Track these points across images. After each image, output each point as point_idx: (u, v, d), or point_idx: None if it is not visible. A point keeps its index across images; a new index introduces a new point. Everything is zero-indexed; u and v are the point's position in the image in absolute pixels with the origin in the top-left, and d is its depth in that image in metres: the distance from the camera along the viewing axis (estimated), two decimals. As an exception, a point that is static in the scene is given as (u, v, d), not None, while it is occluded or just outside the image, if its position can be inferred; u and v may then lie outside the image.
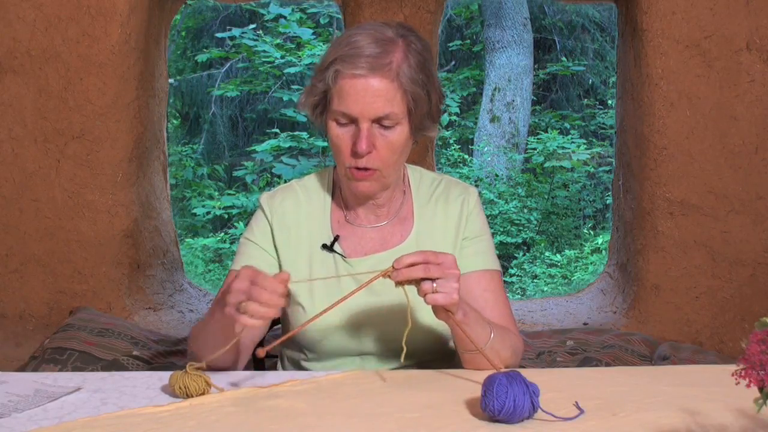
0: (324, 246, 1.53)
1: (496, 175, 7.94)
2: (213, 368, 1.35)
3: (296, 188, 1.60)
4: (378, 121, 1.41)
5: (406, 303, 1.28)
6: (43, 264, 3.04)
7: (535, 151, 7.92)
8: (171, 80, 6.45)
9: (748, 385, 0.85)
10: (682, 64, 2.90)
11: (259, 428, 1.12)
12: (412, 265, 1.24)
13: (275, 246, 1.55)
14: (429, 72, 1.45)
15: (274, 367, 1.68)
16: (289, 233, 1.55)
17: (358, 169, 1.44)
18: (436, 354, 1.52)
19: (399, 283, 1.25)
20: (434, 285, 1.24)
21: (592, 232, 7.52)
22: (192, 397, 1.24)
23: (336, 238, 1.54)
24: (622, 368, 2.04)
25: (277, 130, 8.02)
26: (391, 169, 1.47)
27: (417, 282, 1.25)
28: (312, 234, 1.55)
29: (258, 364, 1.73)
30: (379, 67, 1.38)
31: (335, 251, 1.53)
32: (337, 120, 1.43)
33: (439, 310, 1.31)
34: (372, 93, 1.38)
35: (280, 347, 1.62)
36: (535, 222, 7.50)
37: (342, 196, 1.59)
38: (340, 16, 4.06)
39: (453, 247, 1.56)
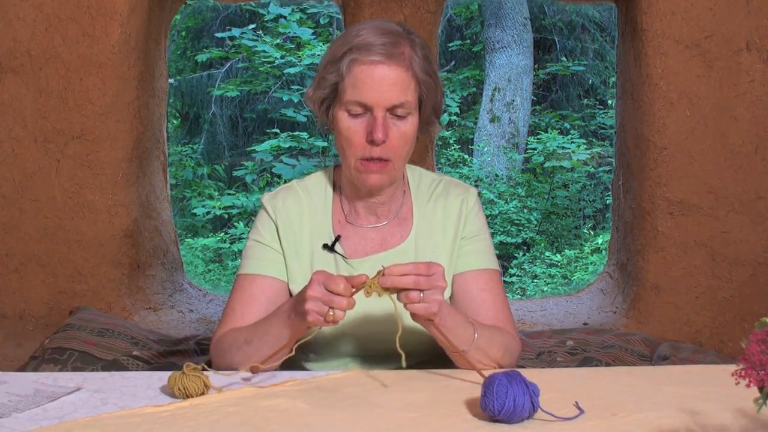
0: (325, 246, 1.54)
1: (496, 175, 7.94)
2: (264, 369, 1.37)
3: (297, 189, 1.60)
4: (392, 110, 1.42)
5: (396, 309, 1.27)
6: (43, 264, 3.04)
7: (535, 151, 7.92)
8: (171, 80, 6.45)
9: (748, 385, 0.85)
10: (682, 64, 2.90)
11: (259, 428, 1.12)
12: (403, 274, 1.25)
13: (281, 245, 1.55)
14: (434, 66, 1.48)
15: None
16: (292, 233, 1.55)
17: (371, 160, 1.44)
18: (434, 354, 1.52)
19: (384, 290, 1.26)
20: (421, 295, 1.25)
21: (592, 232, 7.53)
22: (191, 397, 1.24)
23: (337, 239, 1.53)
24: (622, 368, 2.04)
25: (277, 130, 8.02)
26: (400, 161, 1.48)
27: (400, 290, 1.26)
28: (313, 234, 1.55)
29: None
30: (394, 55, 1.40)
31: (336, 251, 1.53)
32: (350, 111, 1.43)
33: (418, 318, 1.31)
34: (388, 81, 1.40)
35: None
36: (535, 222, 7.51)
37: (344, 196, 1.58)
38: (340, 16, 4.06)
39: (451, 246, 1.56)
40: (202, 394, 1.25)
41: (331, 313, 1.25)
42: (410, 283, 1.25)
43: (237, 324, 1.48)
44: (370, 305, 1.46)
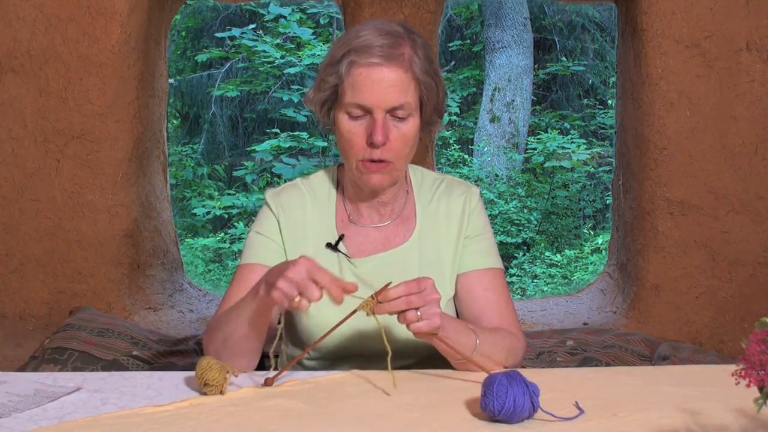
0: (328, 245, 1.53)
1: (496, 175, 7.94)
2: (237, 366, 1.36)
3: (301, 187, 1.60)
4: (392, 111, 1.41)
5: (382, 333, 1.27)
6: (43, 264, 3.04)
7: (535, 151, 7.93)
8: (171, 80, 6.45)
9: (748, 385, 0.85)
10: (682, 64, 2.90)
11: (259, 428, 1.12)
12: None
13: (282, 240, 1.55)
14: (435, 66, 1.47)
15: (274, 367, 1.68)
16: (294, 230, 1.55)
17: (372, 161, 1.43)
18: (435, 352, 1.52)
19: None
20: (418, 313, 1.25)
21: (592, 232, 7.53)
22: (206, 388, 1.24)
23: (341, 238, 1.53)
24: (622, 368, 2.04)
25: (277, 130, 8.02)
26: (402, 162, 1.48)
27: (399, 312, 1.26)
28: (317, 233, 1.55)
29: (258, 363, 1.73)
30: (393, 57, 1.39)
31: (339, 251, 1.53)
32: (350, 113, 1.43)
33: (421, 334, 1.30)
34: (387, 83, 1.39)
35: (279, 345, 1.62)
36: (535, 222, 7.51)
37: (347, 195, 1.58)
38: (340, 16, 4.06)
39: (455, 245, 1.56)
40: (215, 389, 1.24)
41: (297, 300, 1.22)
42: (403, 305, 1.24)
43: None
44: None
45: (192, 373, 1.30)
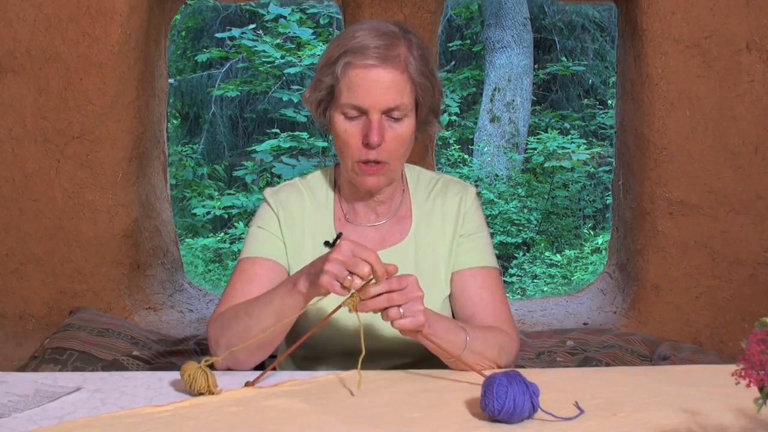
0: (326, 243, 1.54)
1: (496, 175, 7.95)
2: (241, 362, 1.37)
3: (299, 186, 1.61)
4: (388, 112, 1.42)
5: (360, 329, 1.27)
6: (43, 264, 3.04)
7: (535, 151, 7.93)
8: (171, 80, 6.45)
9: (748, 385, 0.85)
10: (682, 64, 2.90)
11: (259, 428, 1.12)
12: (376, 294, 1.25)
13: (283, 237, 1.55)
14: (431, 66, 1.47)
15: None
16: (293, 229, 1.55)
17: (367, 163, 1.43)
18: (430, 352, 1.51)
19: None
20: (401, 310, 1.25)
21: (592, 232, 7.53)
22: (194, 392, 1.24)
23: (339, 235, 1.54)
24: (622, 368, 2.04)
25: (277, 130, 8.03)
26: (398, 162, 1.48)
27: (381, 309, 1.26)
28: (315, 231, 1.55)
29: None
30: (389, 58, 1.39)
31: None
32: (345, 113, 1.43)
33: (406, 331, 1.30)
34: (383, 84, 1.39)
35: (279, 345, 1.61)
36: (535, 222, 7.51)
37: (343, 195, 1.59)
38: (340, 16, 4.06)
39: (450, 244, 1.56)
40: (208, 393, 1.24)
41: (349, 278, 1.22)
42: (385, 303, 1.24)
43: (237, 302, 1.45)
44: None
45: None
